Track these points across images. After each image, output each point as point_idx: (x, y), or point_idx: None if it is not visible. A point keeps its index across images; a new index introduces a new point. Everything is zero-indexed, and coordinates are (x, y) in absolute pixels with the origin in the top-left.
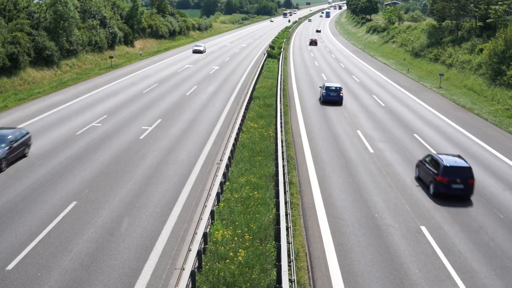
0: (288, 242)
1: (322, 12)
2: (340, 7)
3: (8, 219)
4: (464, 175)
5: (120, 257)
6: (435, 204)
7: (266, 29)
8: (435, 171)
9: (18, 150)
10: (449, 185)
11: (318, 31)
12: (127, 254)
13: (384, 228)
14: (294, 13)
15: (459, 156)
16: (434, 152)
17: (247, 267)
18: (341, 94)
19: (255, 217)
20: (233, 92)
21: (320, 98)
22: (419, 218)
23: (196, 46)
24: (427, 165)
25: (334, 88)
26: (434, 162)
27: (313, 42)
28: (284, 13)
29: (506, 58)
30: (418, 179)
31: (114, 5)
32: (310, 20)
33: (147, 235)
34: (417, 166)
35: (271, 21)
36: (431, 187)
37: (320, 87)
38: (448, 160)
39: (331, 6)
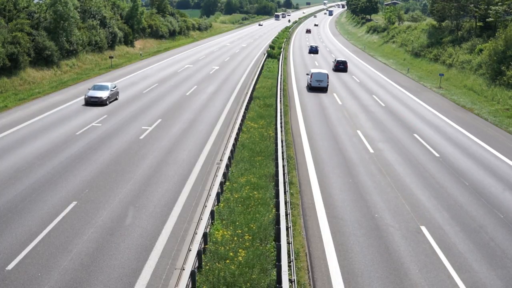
0: (288, 242)
1: (326, 11)
2: (343, 6)
3: (8, 219)
4: (344, 64)
5: (120, 257)
6: (435, 204)
7: (266, 29)
8: (335, 62)
9: None
10: (338, 66)
11: (315, 25)
12: (127, 254)
13: (384, 228)
14: (288, 15)
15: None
16: (434, 151)
17: (247, 267)
18: (317, 49)
19: (255, 217)
20: (233, 92)
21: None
22: (419, 218)
23: (95, 88)
24: (333, 62)
25: (314, 46)
26: (335, 59)
27: (308, 31)
28: (276, 14)
29: (506, 58)
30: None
31: (114, 5)
32: (315, 16)
33: (147, 235)
34: (332, 63)
35: (259, 25)
36: (333, 68)
37: (308, 46)
38: (339, 57)
39: (330, 7)
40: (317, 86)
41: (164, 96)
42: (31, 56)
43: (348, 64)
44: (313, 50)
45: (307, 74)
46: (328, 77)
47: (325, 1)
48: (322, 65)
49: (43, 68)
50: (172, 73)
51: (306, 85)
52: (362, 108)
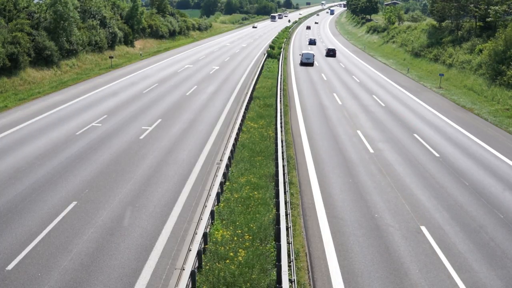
0: (288, 242)
1: (328, 9)
2: (344, 6)
3: (8, 219)
4: (333, 51)
5: (120, 257)
6: (435, 204)
7: (266, 29)
8: (326, 50)
9: None
10: (328, 53)
11: (316, 22)
12: (127, 254)
13: (384, 228)
14: (285, 16)
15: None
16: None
17: (247, 267)
18: (315, 41)
19: (255, 217)
20: (233, 92)
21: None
22: (419, 218)
23: None
24: (325, 50)
25: (313, 39)
26: (327, 48)
27: (308, 27)
28: (272, 15)
29: (506, 58)
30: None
31: (114, 5)
32: (318, 15)
33: (147, 235)
34: (325, 51)
35: (253, 27)
36: (325, 53)
37: (308, 39)
38: (328, 46)
39: (331, 6)
40: (306, 62)
41: (164, 96)
42: (31, 56)
43: (337, 52)
44: (312, 42)
45: (300, 55)
46: (314, 56)
47: (323, 2)
48: (317, 54)
49: (43, 68)
50: (172, 73)
51: (299, 62)
52: (362, 108)
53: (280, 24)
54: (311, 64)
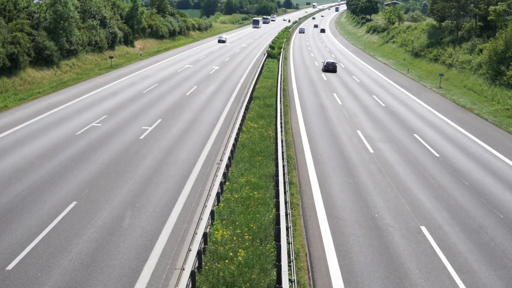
0: (288, 242)
1: (335, 7)
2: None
3: (8, 219)
4: (323, 30)
5: (120, 257)
6: (435, 204)
7: (266, 29)
8: (323, 63)
9: None
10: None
11: (322, 16)
12: (127, 254)
13: (384, 228)
14: (272, 20)
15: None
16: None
17: (247, 267)
18: (318, 26)
19: (255, 217)
20: (233, 92)
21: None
22: (419, 218)
23: None
24: (323, 63)
25: (316, 24)
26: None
27: (313, 18)
28: (254, 20)
29: (506, 58)
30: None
31: (114, 5)
32: (329, 9)
33: (147, 235)
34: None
35: (220, 40)
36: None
37: (314, 24)
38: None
39: (336, 5)
40: (301, 32)
41: (164, 96)
42: (31, 56)
43: (326, 30)
44: (315, 26)
45: (298, 29)
46: (305, 30)
47: (314, 4)
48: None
49: (43, 68)
50: (172, 73)
51: (298, 32)
52: (362, 108)
53: (266, 32)
54: (303, 33)
